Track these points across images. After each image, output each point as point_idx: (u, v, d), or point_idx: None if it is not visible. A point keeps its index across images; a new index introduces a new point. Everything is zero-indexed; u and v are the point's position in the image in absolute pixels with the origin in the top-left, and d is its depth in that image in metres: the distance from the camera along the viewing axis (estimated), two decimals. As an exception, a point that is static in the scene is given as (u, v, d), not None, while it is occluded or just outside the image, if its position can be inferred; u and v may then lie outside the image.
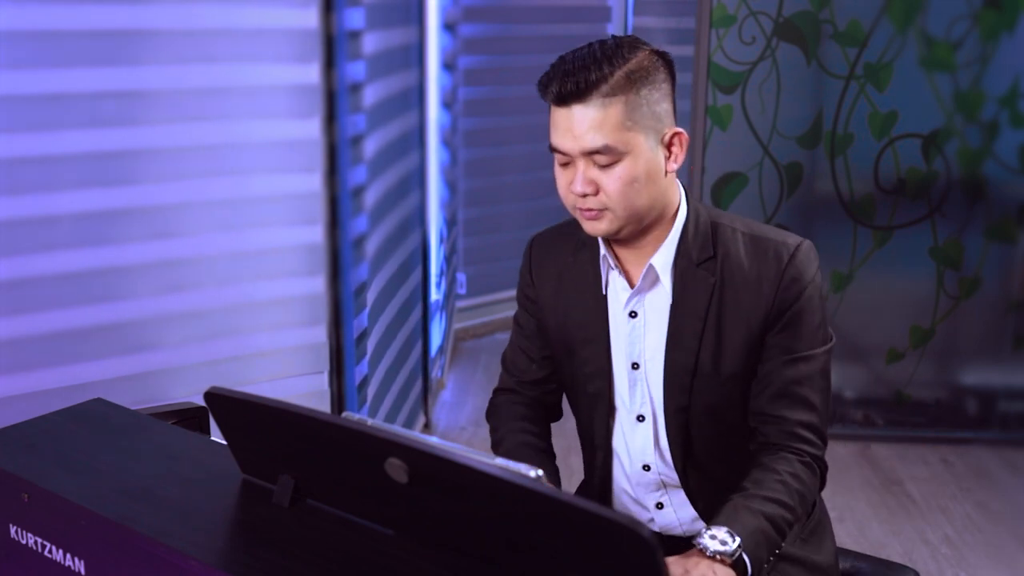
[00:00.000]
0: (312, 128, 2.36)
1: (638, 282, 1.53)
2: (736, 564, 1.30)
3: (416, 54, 3.43)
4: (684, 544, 1.61)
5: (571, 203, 1.47)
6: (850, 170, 3.47)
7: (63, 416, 1.52)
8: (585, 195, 1.43)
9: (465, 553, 1.16)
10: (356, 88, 2.57)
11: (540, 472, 1.05)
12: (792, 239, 1.50)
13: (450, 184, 4.29)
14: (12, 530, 1.34)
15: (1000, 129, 3.44)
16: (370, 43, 2.69)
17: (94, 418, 1.52)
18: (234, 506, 1.29)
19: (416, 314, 3.56)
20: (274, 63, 2.30)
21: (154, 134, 2.17)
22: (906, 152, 3.44)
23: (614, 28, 4.86)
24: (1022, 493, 3.33)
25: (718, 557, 1.29)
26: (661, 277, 1.51)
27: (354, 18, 2.53)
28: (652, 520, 1.65)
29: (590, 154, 1.41)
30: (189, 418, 1.68)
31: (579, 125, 1.40)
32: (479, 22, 4.52)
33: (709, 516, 1.59)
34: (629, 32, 4.77)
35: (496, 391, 1.74)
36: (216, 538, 1.23)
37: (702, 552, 1.29)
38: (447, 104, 4.11)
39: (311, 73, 2.33)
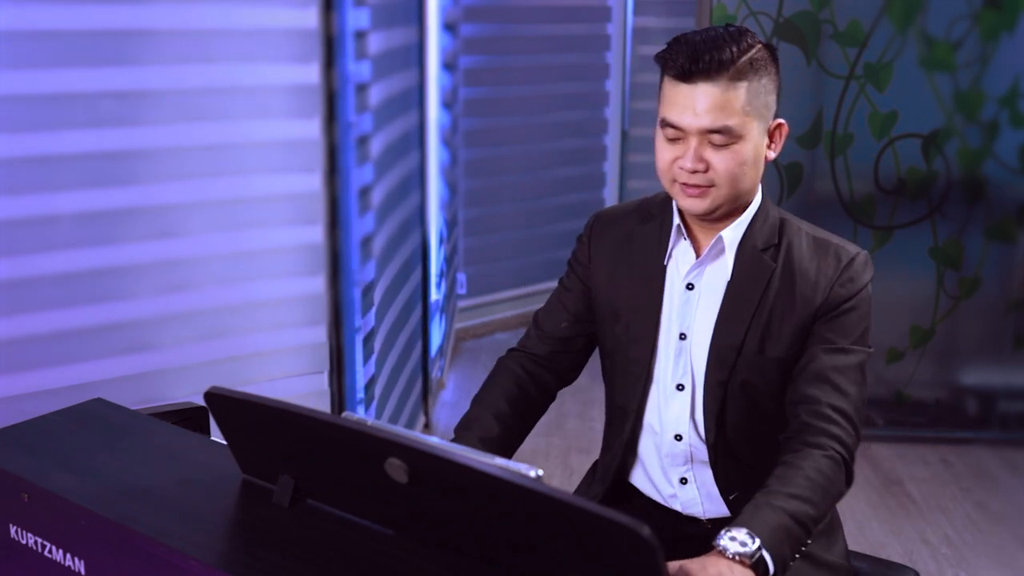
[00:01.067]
0: (312, 128, 2.36)
1: (704, 252, 1.57)
2: (757, 564, 1.30)
3: (416, 54, 3.43)
4: (705, 532, 1.64)
5: (672, 177, 1.51)
6: (850, 170, 3.47)
7: (63, 416, 1.52)
8: (695, 171, 1.47)
9: (465, 553, 1.16)
10: (362, 88, 2.57)
11: (540, 472, 1.05)
12: (853, 247, 1.59)
13: (450, 184, 4.29)
14: (12, 530, 1.34)
15: (1000, 129, 3.44)
16: (375, 43, 2.69)
17: (94, 418, 1.52)
18: (234, 506, 1.29)
19: (416, 314, 3.56)
20: (274, 63, 2.30)
21: (154, 134, 2.17)
22: (906, 152, 3.44)
23: (614, 28, 4.85)
24: (1022, 493, 3.33)
25: (737, 558, 1.29)
26: (727, 251, 1.56)
27: (360, 18, 2.53)
28: (674, 495, 1.67)
29: (708, 132, 1.45)
30: (189, 418, 1.68)
31: (702, 103, 1.44)
32: (479, 22, 4.52)
33: (729, 496, 1.62)
34: (629, 33, 4.77)
35: (511, 350, 1.74)
36: (216, 538, 1.23)
37: (721, 553, 1.29)
38: (447, 104, 4.10)
39: (311, 73, 2.33)
